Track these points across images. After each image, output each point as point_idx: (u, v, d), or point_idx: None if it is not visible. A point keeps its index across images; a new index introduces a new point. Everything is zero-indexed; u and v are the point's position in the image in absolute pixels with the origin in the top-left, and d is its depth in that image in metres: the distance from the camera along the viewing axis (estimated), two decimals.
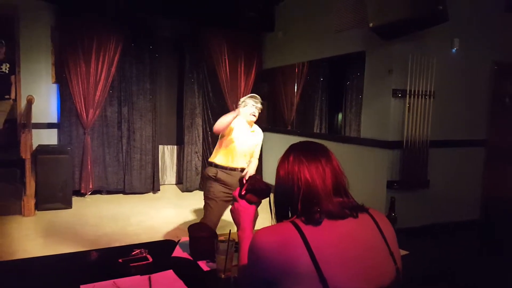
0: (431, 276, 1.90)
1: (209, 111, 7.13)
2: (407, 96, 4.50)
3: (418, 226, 2.71)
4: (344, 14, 5.19)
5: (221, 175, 3.29)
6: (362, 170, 4.84)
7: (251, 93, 7.16)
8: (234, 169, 3.34)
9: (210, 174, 3.34)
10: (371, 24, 4.27)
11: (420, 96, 4.55)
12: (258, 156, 3.52)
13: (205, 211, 3.34)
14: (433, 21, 4.05)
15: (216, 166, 3.32)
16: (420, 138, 4.58)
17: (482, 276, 1.92)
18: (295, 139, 1.36)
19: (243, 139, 3.39)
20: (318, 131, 6.38)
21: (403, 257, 1.24)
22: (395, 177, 4.58)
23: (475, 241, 2.40)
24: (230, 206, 3.29)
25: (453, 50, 4.73)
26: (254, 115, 3.38)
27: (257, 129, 3.54)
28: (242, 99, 3.46)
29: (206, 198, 3.35)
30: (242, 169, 3.37)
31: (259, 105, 3.40)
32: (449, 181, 4.85)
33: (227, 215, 3.57)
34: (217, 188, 3.30)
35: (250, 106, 3.35)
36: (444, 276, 1.89)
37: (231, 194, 3.17)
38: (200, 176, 6.96)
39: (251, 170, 3.34)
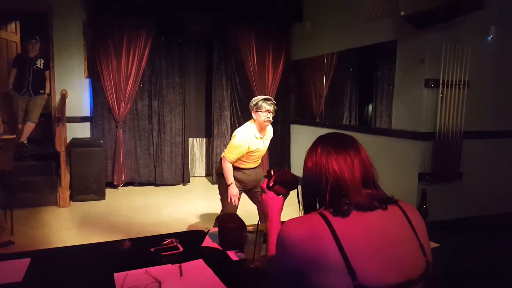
0: (462, 269, 1.85)
1: (237, 104, 7.15)
2: (440, 86, 4.37)
3: (450, 219, 2.64)
4: (375, 2, 5.07)
5: (235, 174, 3.40)
6: (393, 162, 4.76)
7: (278, 85, 7.21)
8: (246, 169, 3.46)
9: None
10: (402, 13, 4.15)
11: (453, 86, 4.41)
12: None
13: (222, 204, 3.51)
14: (468, 8, 3.91)
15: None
16: (453, 129, 4.45)
17: None
18: (324, 131, 1.35)
19: (255, 151, 3.40)
20: (347, 123, 6.28)
21: (433, 250, 1.22)
22: (427, 169, 4.47)
23: (510, 235, 2.32)
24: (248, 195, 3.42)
25: (489, 38, 4.55)
26: (269, 120, 3.24)
27: (268, 132, 3.43)
28: (254, 100, 3.25)
29: (222, 194, 3.47)
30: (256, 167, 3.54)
31: (273, 107, 3.22)
32: (483, 173, 4.69)
33: (254, 208, 3.61)
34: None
35: (264, 111, 3.19)
36: (475, 269, 1.85)
37: (243, 188, 3.46)
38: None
39: None
